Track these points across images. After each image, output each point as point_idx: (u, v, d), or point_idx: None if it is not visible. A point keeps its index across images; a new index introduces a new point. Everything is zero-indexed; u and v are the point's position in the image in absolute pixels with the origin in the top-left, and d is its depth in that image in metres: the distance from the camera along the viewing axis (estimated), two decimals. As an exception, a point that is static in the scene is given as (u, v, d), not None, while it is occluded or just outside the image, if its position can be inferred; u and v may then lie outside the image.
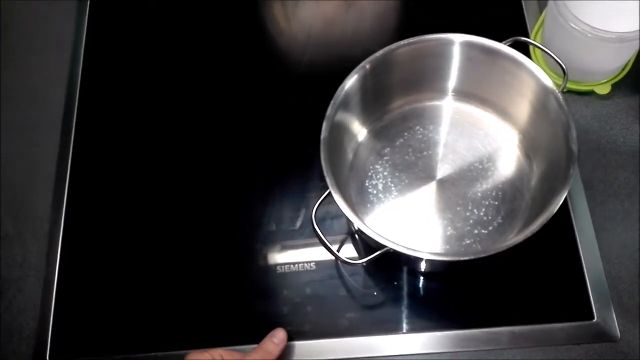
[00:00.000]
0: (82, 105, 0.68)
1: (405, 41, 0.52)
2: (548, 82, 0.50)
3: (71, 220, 0.62)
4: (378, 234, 0.45)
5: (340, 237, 0.58)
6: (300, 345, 0.54)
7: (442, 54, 0.54)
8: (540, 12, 0.65)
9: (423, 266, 0.55)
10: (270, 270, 0.57)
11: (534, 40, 0.62)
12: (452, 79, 0.57)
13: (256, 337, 0.52)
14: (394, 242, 0.45)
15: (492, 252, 0.45)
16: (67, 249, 0.61)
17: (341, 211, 0.56)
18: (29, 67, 0.71)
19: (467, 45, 0.53)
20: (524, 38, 0.53)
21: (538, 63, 0.60)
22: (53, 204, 0.63)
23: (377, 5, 0.71)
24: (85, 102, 0.69)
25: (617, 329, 0.52)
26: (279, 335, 0.51)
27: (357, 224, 0.47)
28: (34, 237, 0.62)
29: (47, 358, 0.56)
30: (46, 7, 0.75)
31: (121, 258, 0.60)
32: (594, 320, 0.52)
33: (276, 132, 0.64)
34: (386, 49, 0.52)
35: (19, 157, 0.66)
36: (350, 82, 0.51)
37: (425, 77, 0.56)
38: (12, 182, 0.65)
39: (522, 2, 0.67)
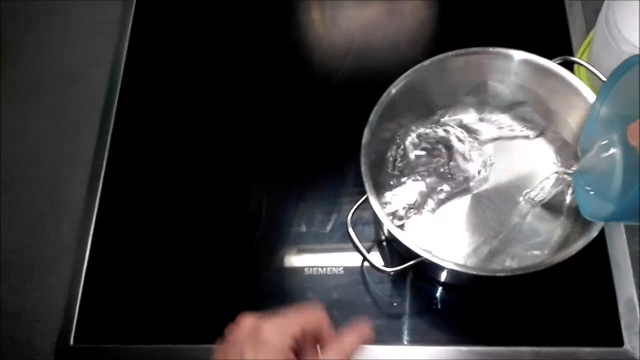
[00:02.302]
0: (124, 91, 0.69)
1: (454, 52, 0.52)
2: (596, 103, 0.49)
3: (105, 204, 0.63)
4: (415, 244, 0.45)
5: (369, 244, 0.58)
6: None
7: (492, 67, 0.53)
8: (587, 31, 0.65)
9: (449, 279, 0.54)
10: (298, 271, 0.58)
11: (579, 58, 0.61)
12: (499, 93, 0.56)
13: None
14: (431, 254, 0.44)
15: (527, 271, 0.44)
16: (98, 234, 0.62)
17: (373, 218, 0.56)
18: (72, 51, 0.73)
19: (518, 61, 0.52)
20: (573, 58, 0.53)
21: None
22: (89, 187, 0.64)
23: (419, 14, 0.71)
24: (128, 87, 0.70)
25: (646, 359, 0.51)
26: (364, 335, 0.39)
27: (394, 231, 0.46)
28: (69, 218, 0.63)
29: (72, 338, 0.57)
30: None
31: (151, 247, 0.61)
32: (623, 347, 0.52)
33: (312, 137, 0.65)
34: (434, 58, 0.52)
35: (58, 138, 0.67)
36: (396, 89, 0.51)
37: (470, 89, 0.56)
38: (51, 163, 0.66)
39: (569, 20, 0.67)
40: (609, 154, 0.44)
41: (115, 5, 0.75)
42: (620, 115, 0.44)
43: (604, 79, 0.51)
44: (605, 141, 0.44)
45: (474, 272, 0.45)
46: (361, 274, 0.57)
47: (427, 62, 0.51)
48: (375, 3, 0.72)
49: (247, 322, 0.38)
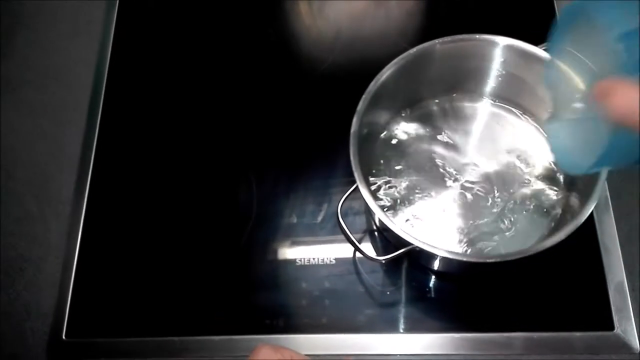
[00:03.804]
0: (110, 90, 0.69)
1: (441, 40, 0.52)
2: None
3: (93, 202, 0.63)
4: (405, 232, 0.45)
5: (360, 234, 0.58)
6: (318, 338, 0.54)
7: (479, 55, 0.54)
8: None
9: (441, 267, 0.54)
10: (290, 262, 0.57)
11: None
12: (487, 81, 0.56)
13: (274, 326, 0.52)
14: (421, 241, 0.44)
15: (517, 257, 0.45)
16: (87, 230, 0.61)
17: (364, 207, 0.56)
18: (57, 50, 0.72)
19: (504, 48, 0.52)
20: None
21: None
22: (76, 186, 0.63)
23: (406, 4, 0.70)
24: (113, 86, 0.69)
25: (637, 341, 0.51)
26: None
27: (384, 219, 0.46)
28: (56, 217, 0.62)
29: (64, 336, 0.57)
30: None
31: (140, 243, 0.60)
32: (614, 331, 0.52)
33: (302, 128, 0.64)
34: (420, 46, 0.52)
35: (44, 137, 0.67)
36: (384, 77, 0.51)
37: (459, 78, 0.56)
38: (37, 162, 0.65)
39: (555, 6, 0.67)
40: (577, 106, 0.42)
41: (99, 4, 0.74)
42: (576, 64, 0.41)
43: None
44: (571, 94, 0.42)
45: (464, 259, 0.45)
46: (353, 264, 0.57)
47: (414, 49, 0.51)
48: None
49: (263, 353, 0.38)
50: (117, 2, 0.74)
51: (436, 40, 0.52)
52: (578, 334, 0.52)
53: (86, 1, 0.74)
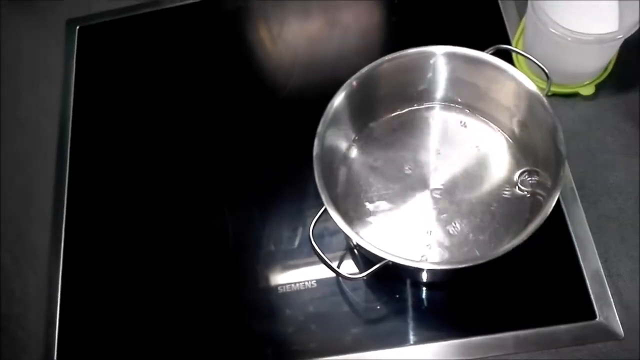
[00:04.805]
0: (75, 135, 0.69)
1: (389, 56, 0.53)
2: (532, 87, 0.51)
3: (70, 252, 0.62)
4: (375, 247, 0.46)
5: (340, 252, 0.58)
6: (306, 363, 0.54)
7: (425, 66, 0.55)
8: (520, 18, 0.67)
9: (424, 276, 0.55)
10: (272, 290, 0.58)
11: (515, 47, 0.63)
12: (439, 89, 0.58)
13: (262, 357, 0.52)
14: (391, 254, 0.45)
15: (490, 258, 0.45)
16: (67, 281, 0.61)
17: (338, 227, 0.56)
18: (19, 101, 0.72)
19: (449, 56, 0.54)
20: (505, 46, 0.54)
21: (521, 69, 0.61)
22: (51, 237, 0.63)
23: (361, 23, 0.72)
24: (78, 131, 0.70)
25: (620, 327, 0.52)
26: None
27: (354, 238, 0.47)
28: (33, 271, 0.62)
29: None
30: (34, 39, 0.76)
31: (122, 287, 0.60)
32: (597, 320, 0.52)
33: (269, 153, 0.65)
34: (371, 65, 0.53)
35: (14, 191, 0.67)
36: (339, 99, 0.52)
37: (411, 90, 0.57)
38: (9, 216, 0.65)
39: (502, 12, 0.69)
40: None
41: (58, 51, 0.75)
42: None
43: (539, 63, 0.53)
44: None
45: (436, 267, 0.46)
46: (336, 284, 0.57)
47: (364, 69, 0.52)
48: (317, 16, 0.73)
49: None
50: (76, 46, 0.75)
51: (383, 58, 0.53)
52: (563, 326, 0.53)
53: (44, 47, 0.75)
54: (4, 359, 0.58)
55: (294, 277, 0.58)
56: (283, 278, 0.58)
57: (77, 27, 0.77)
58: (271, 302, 0.57)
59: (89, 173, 0.67)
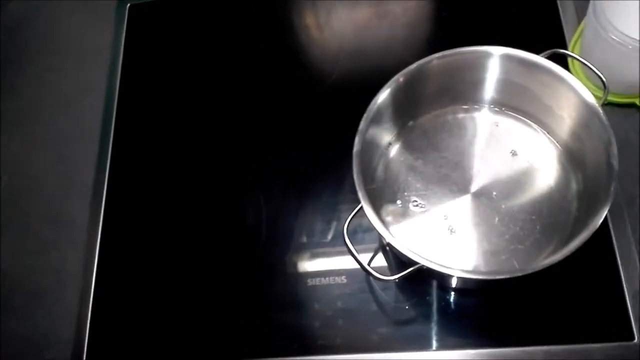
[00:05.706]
0: (120, 116, 0.70)
1: (440, 54, 0.52)
2: (588, 96, 0.49)
3: (108, 228, 0.64)
4: (410, 250, 0.45)
5: (372, 250, 0.58)
6: (332, 359, 0.54)
7: (478, 66, 0.53)
8: (579, 23, 0.64)
9: (456, 282, 0.54)
10: (301, 282, 0.57)
11: (572, 51, 0.60)
12: (489, 91, 0.56)
13: (288, 349, 0.52)
14: (426, 259, 0.44)
15: (529, 272, 0.44)
16: (104, 257, 0.62)
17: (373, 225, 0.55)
18: (66, 78, 0.74)
19: (504, 58, 0.52)
20: (562, 50, 0.52)
21: (577, 75, 0.59)
22: (91, 213, 0.65)
23: (410, 16, 0.70)
24: (123, 112, 0.70)
25: (659, 351, 0.50)
26: None
27: (389, 239, 0.46)
28: (72, 245, 0.63)
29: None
30: (84, 18, 0.77)
31: (157, 268, 0.61)
32: (635, 341, 0.50)
33: (308, 145, 0.65)
34: (420, 61, 0.52)
35: (56, 166, 0.68)
36: (383, 95, 0.51)
37: (460, 89, 0.56)
38: (50, 191, 0.67)
39: (560, 13, 0.66)
40: None
41: (107, 31, 0.76)
42: None
43: (597, 72, 0.51)
44: None
45: (472, 276, 0.45)
46: (366, 282, 0.57)
47: (412, 66, 0.51)
48: (365, 6, 0.71)
49: None
50: (125, 25, 0.76)
51: (433, 56, 0.51)
52: (597, 345, 0.51)
53: (94, 26, 0.76)
54: (41, 329, 0.60)
55: (324, 271, 0.58)
56: (313, 271, 0.58)
57: (128, 4, 0.78)
58: (299, 294, 0.57)
59: (131, 153, 0.68)
